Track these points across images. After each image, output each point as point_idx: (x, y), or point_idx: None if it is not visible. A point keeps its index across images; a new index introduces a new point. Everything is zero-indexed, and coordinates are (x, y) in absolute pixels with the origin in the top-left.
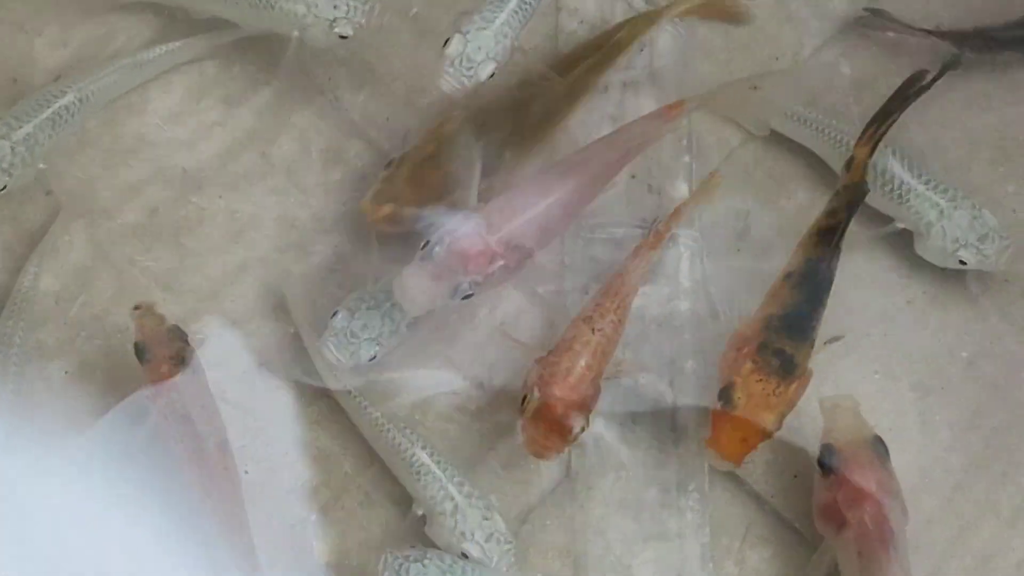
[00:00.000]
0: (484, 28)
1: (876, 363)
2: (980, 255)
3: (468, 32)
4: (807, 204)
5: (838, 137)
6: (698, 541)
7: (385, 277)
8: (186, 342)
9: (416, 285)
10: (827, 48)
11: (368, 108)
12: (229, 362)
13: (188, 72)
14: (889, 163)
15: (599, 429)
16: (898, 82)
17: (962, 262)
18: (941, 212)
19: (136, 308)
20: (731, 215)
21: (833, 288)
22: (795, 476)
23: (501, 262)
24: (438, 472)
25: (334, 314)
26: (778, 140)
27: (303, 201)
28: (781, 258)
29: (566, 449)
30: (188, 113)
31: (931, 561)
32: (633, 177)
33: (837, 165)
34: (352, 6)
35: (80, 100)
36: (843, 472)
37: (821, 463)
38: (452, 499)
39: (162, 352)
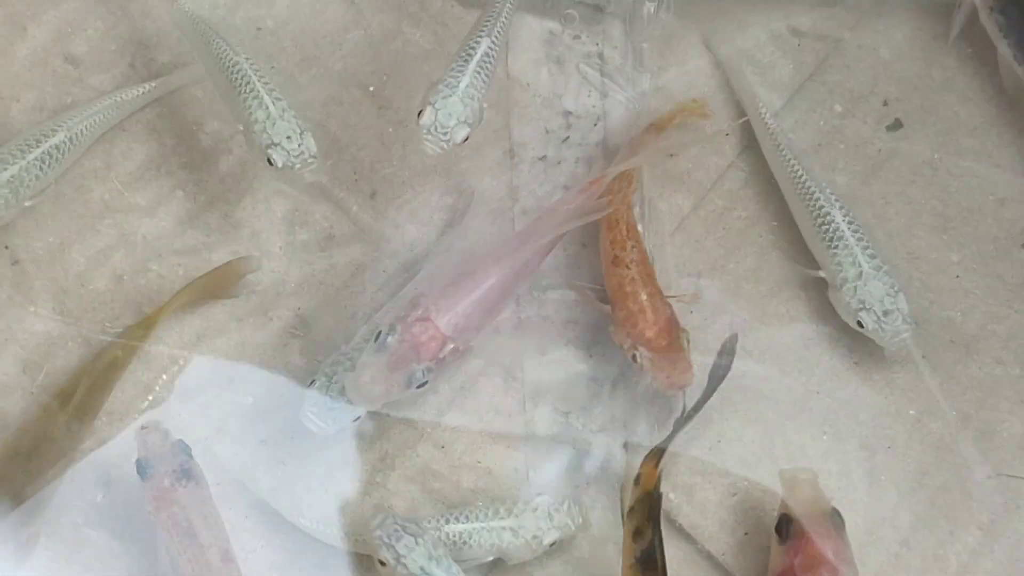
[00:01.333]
0: (450, 95)
1: (824, 424)
2: (878, 326)
3: (436, 102)
4: (755, 267)
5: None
6: None
7: (355, 338)
8: (189, 455)
9: (371, 379)
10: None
11: (336, 171)
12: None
13: (148, 141)
14: (833, 210)
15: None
16: (840, 163)
17: (860, 324)
18: (860, 273)
19: (143, 428)
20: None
21: (783, 346)
22: (745, 534)
23: (451, 346)
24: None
25: (311, 383)
26: (730, 207)
27: (265, 265)
28: (728, 321)
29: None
30: (149, 179)
31: None
32: (584, 246)
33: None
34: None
35: (68, 139)
36: (801, 541)
37: (779, 531)
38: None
39: (165, 467)
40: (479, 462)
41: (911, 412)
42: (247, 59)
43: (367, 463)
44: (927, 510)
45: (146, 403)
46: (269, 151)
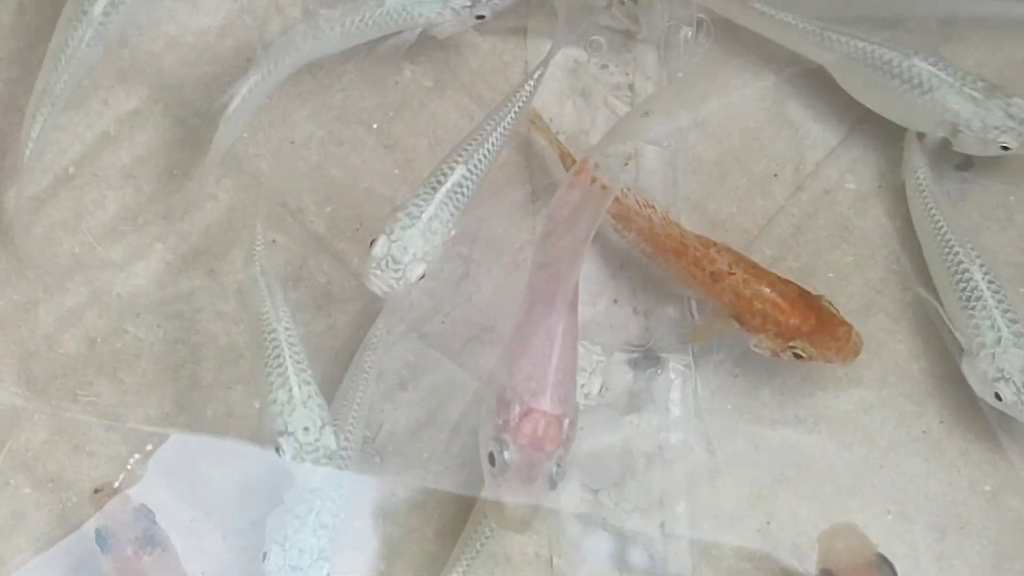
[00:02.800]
0: (410, 226)
1: (889, 501)
2: (1018, 397)
3: (392, 233)
4: None
5: None
6: None
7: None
8: (153, 521)
9: (516, 506)
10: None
11: (336, 220)
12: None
13: (123, 187)
14: (973, 267)
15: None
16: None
17: (997, 396)
18: (999, 339)
19: (97, 491)
20: (725, 339)
21: (842, 413)
22: None
23: (567, 421)
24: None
25: (264, 557)
26: (780, 256)
27: None
28: (779, 384)
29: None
30: (124, 230)
31: None
32: (615, 302)
33: None
34: None
35: None
36: None
37: None
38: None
39: (127, 535)
40: (496, 550)
41: (987, 488)
42: (286, 329)
43: (371, 552)
44: None
45: (118, 481)
46: (280, 439)
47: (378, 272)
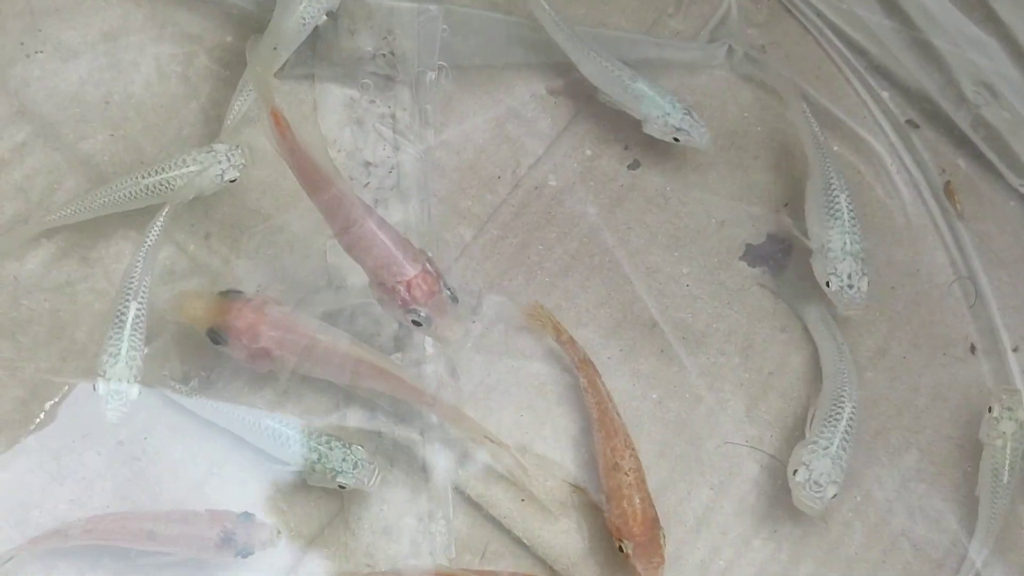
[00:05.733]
0: (115, 364)
1: (584, 408)
2: (840, 288)
3: (106, 371)
4: (524, 285)
5: None
6: (446, 558)
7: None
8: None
9: (452, 327)
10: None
11: (178, 218)
12: None
13: (16, 199)
14: (843, 195)
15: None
16: (591, 197)
17: (827, 284)
18: (844, 248)
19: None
20: (466, 293)
21: (550, 348)
22: (522, 501)
23: (427, 264)
24: None
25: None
26: (503, 236)
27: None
28: (504, 328)
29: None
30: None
31: None
32: None
33: None
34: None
35: None
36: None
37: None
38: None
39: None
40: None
41: (654, 396)
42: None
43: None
44: (669, 475)
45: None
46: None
47: (110, 406)
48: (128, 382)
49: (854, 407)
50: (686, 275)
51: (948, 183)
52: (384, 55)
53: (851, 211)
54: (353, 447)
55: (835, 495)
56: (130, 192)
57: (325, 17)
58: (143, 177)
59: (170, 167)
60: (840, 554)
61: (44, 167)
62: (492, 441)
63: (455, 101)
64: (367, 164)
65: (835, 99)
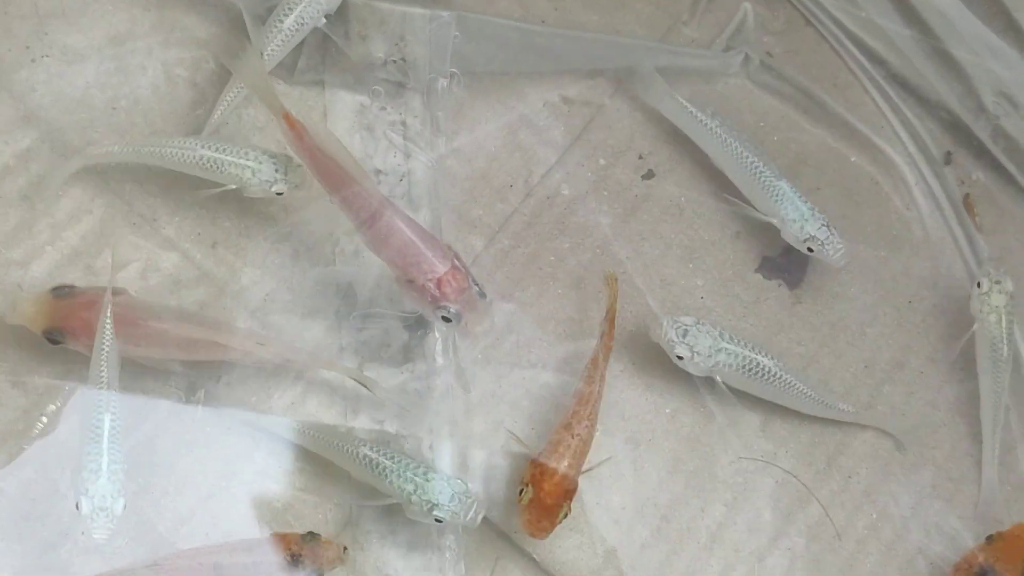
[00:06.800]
0: (98, 479)
1: (599, 422)
2: (821, 248)
3: (85, 488)
4: (537, 294)
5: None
6: (456, 573)
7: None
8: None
9: (478, 317)
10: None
11: (182, 227)
12: None
13: (20, 205)
14: (780, 181)
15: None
16: (604, 207)
17: (809, 249)
18: (803, 215)
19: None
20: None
21: (559, 358)
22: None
23: (455, 261)
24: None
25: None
26: (515, 245)
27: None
28: (515, 340)
29: (555, 529)
30: (22, 238)
31: None
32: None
33: None
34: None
35: None
36: None
37: None
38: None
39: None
40: (304, 465)
41: (667, 410)
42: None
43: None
44: (682, 491)
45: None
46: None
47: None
48: (112, 497)
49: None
50: (700, 287)
51: (967, 195)
52: (395, 61)
53: (790, 185)
54: (452, 480)
55: None
56: (183, 155)
57: (324, 20)
58: (202, 147)
59: (231, 152)
60: (855, 572)
61: (50, 174)
62: (350, 376)
63: (467, 108)
64: (377, 172)
65: (852, 108)
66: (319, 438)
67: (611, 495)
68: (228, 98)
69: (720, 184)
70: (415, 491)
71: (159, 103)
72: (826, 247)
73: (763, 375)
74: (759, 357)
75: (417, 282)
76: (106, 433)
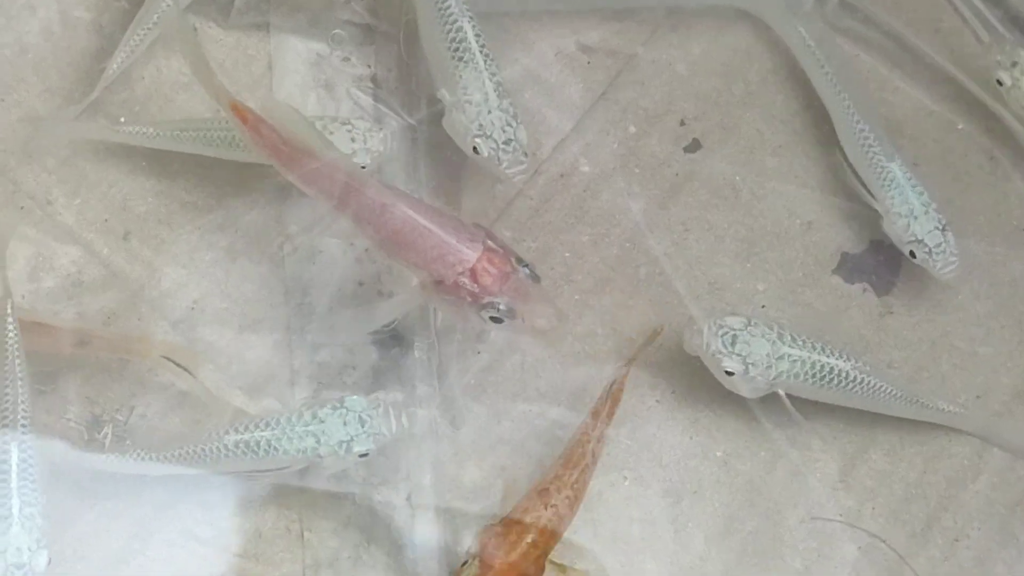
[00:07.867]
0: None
1: (624, 468)
2: (928, 255)
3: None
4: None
5: None
6: None
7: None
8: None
9: (544, 310)
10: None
11: (83, 211)
12: None
13: None
14: (893, 167)
15: (335, 544)
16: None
17: (911, 254)
18: (911, 211)
19: None
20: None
21: (577, 385)
22: None
23: (487, 241)
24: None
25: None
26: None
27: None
28: (519, 360)
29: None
30: None
31: None
32: (360, 284)
33: None
34: None
35: None
36: None
37: None
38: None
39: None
40: (246, 525)
41: (718, 454)
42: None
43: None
44: (738, 558)
45: None
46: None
47: None
48: (30, 550)
49: None
50: (761, 293)
51: None
52: None
53: (904, 169)
54: (350, 399)
55: None
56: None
57: None
58: None
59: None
60: None
61: None
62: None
63: None
64: None
65: (959, 61)
66: (182, 456)
67: (644, 561)
68: (133, 41)
69: (784, 159)
70: (319, 442)
71: (54, 53)
72: (935, 257)
73: (839, 382)
74: (832, 360)
75: (447, 281)
76: (14, 469)
